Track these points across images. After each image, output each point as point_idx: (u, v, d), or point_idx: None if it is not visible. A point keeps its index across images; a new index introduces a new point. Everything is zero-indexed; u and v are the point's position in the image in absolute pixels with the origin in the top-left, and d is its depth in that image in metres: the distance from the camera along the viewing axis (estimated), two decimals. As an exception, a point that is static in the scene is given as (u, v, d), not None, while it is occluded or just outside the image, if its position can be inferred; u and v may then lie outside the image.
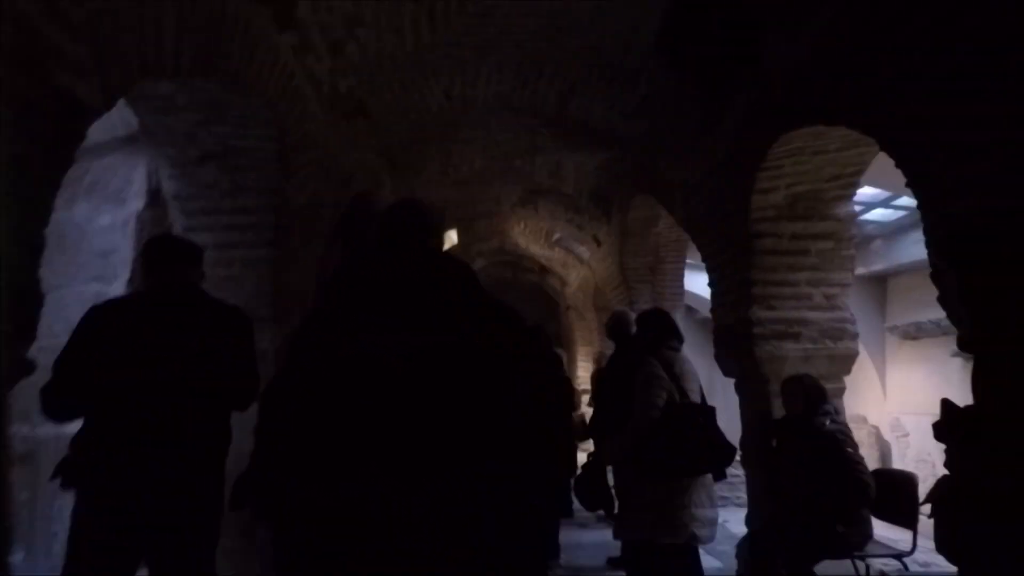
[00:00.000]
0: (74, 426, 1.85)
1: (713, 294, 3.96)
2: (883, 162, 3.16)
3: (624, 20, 3.42)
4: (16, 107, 1.47)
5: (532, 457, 1.48)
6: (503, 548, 1.36)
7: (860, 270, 6.19)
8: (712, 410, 3.37)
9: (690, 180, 4.05)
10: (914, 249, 5.96)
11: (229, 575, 2.23)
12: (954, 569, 1.89)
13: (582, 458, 4.21)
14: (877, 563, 3.18)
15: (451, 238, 6.81)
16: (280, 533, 1.44)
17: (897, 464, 7.02)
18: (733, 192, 3.46)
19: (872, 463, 3.93)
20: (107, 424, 1.79)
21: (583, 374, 9.93)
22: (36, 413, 1.89)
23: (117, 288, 3.06)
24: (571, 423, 4.62)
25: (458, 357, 1.35)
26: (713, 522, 2.77)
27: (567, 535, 4.59)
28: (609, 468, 3.42)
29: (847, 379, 3.52)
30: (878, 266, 7.18)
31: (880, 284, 7.64)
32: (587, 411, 5.89)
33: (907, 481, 3.15)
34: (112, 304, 1.94)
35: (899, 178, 2.17)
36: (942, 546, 1.87)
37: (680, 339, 3.03)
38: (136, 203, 3.16)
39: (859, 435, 3.54)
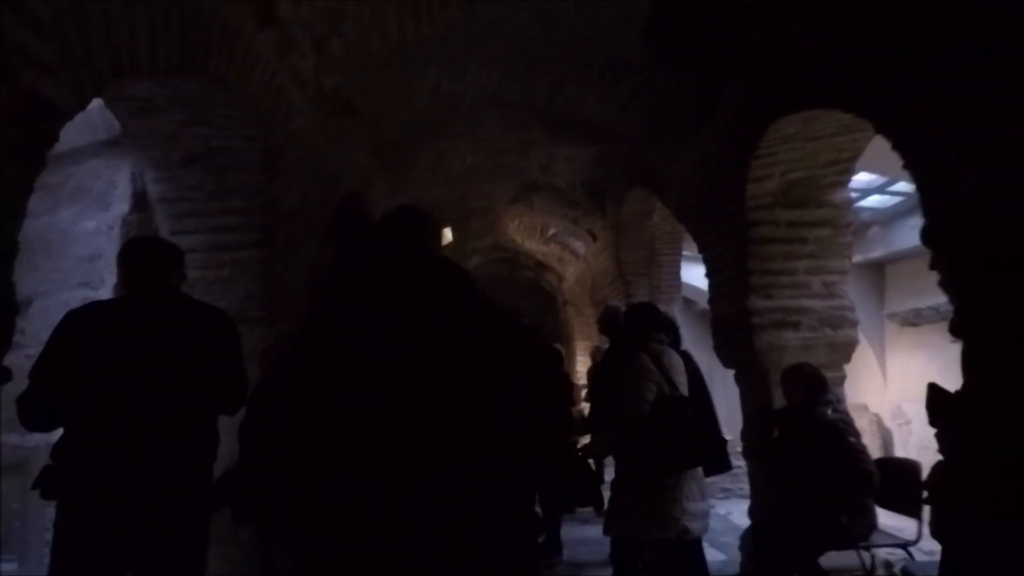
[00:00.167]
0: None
1: (710, 285, 3.92)
2: (878, 147, 3.12)
3: (613, 11, 3.37)
4: (-21, 108, 1.42)
5: (532, 457, 1.47)
6: (503, 548, 1.35)
7: (857, 257, 6.16)
8: (708, 403, 3.35)
9: (684, 171, 4.00)
10: (912, 235, 5.90)
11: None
12: (961, 558, 1.86)
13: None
14: (882, 553, 3.15)
15: (446, 236, 6.76)
16: (271, 534, 1.42)
17: (899, 452, 6.99)
18: (727, 181, 3.42)
19: (874, 451, 3.88)
20: (90, 431, 1.74)
21: (582, 369, 9.90)
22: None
23: (104, 294, 3.01)
24: (572, 420, 4.60)
25: (458, 357, 1.35)
26: (704, 515, 2.74)
27: (569, 531, 4.57)
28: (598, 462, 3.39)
29: (847, 367, 3.48)
30: (876, 253, 7.14)
31: (878, 271, 7.61)
32: (586, 407, 5.86)
33: (911, 469, 3.11)
34: (90, 308, 1.88)
35: (895, 163, 2.12)
36: (936, 531, 1.84)
37: (664, 331, 2.99)
38: (121, 207, 3.11)
39: (860, 423, 3.51)
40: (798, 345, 3.36)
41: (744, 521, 4.34)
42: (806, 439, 2.87)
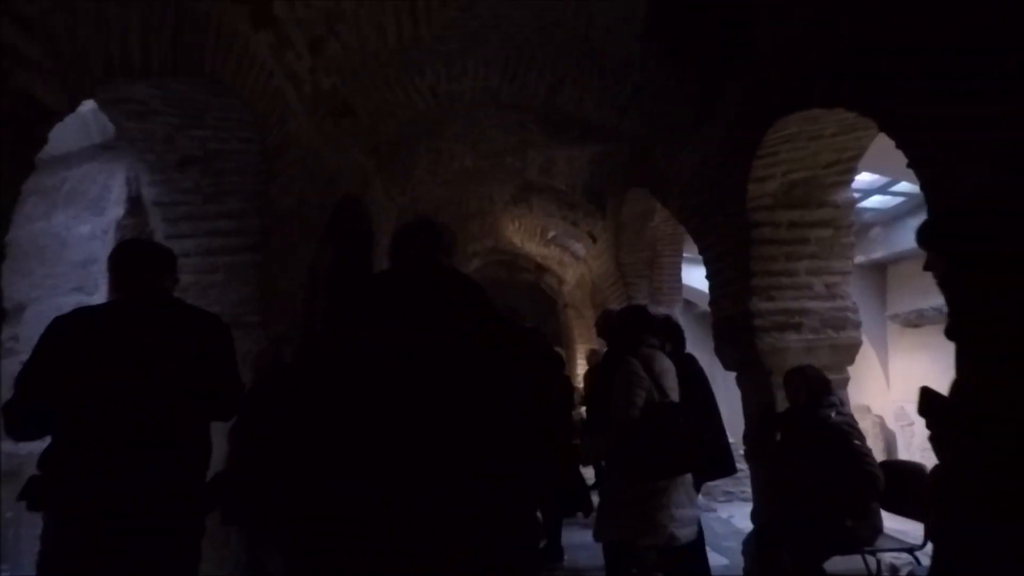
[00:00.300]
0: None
1: (712, 286, 3.89)
2: (880, 147, 3.09)
3: (613, 10, 3.34)
4: (-34, 109, 1.39)
5: (532, 457, 1.46)
6: (503, 549, 1.35)
7: (859, 258, 6.13)
8: (713, 406, 3.31)
9: (685, 171, 3.97)
10: (914, 236, 5.89)
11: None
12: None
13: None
14: (888, 557, 3.11)
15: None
16: (266, 536, 1.43)
17: (902, 454, 6.95)
18: (728, 182, 3.39)
19: (877, 453, 3.85)
20: (82, 438, 1.70)
21: (582, 372, 9.87)
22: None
23: (98, 299, 2.98)
24: (572, 422, 4.57)
25: (458, 357, 1.35)
26: (693, 521, 2.71)
27: (570, 535, 4.52)
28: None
29: (849, 369, 3.44)
30: (877, 254, 7.12)
31: (880, 272, 7.58)
32: (584, 410, 5.83)
33: (916, 472, 3.07)
34: (80, 313, 1.84)
35: (897, 163, 2.09)
36: (934, 533, 1.81)
37: (656, 334, 2.95)
38: (116, 211, 3.08)
39: (863, 425, 3.48)
40: (800, 347, 3.32)
41: (746, 525, 4.30)
42: (810, 442, 2.83)
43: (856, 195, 5.13)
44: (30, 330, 2.86)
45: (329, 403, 1.34)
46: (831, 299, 3.37)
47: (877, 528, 2.84)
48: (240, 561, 2.20)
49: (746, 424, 3.66)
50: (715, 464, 3.26)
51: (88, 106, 2.98)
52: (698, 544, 3.23)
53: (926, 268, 1.83)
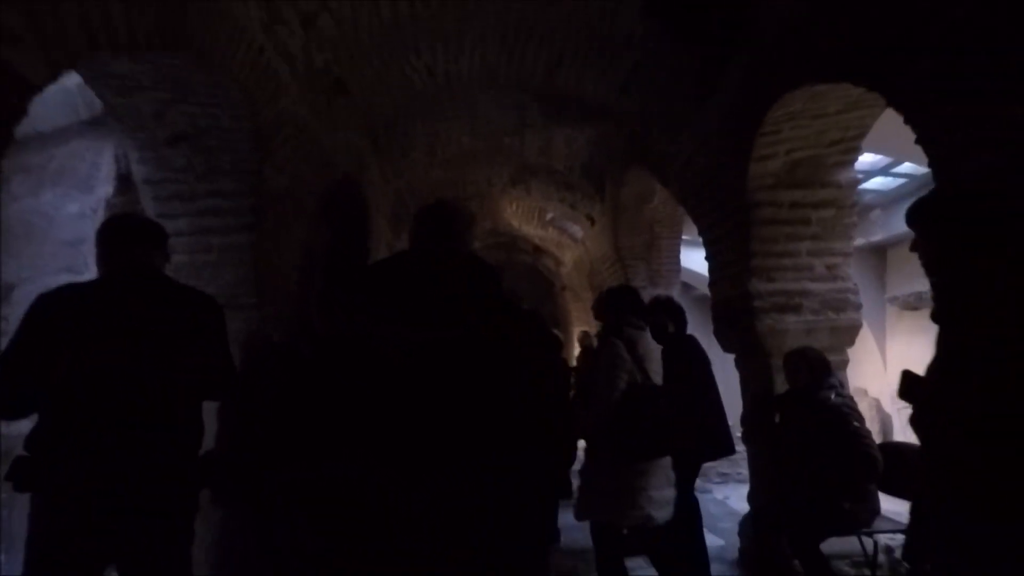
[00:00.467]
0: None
1: (711, 268, 3.85)
2: (882, 127, 3.04)
3: (612, -17, 3.26)
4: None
5: (532, 447, 1.48)
6: (505, 547, 1.35)
7: (859, 240, 6.09)
8: (713, 388, 3.29)
9: (685, 150, 3.91)
10: (914, 218, 5.85)
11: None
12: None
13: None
14: (883, 538, 3.11)
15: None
16: (259, 517, 1.42)
17: (899, 436, 6.98)
18: (730, 161, 3.33)
19: (873, 436, 3.84)
20: (70, 418, 1.67)
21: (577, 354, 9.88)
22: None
23: (88, 279, 2.93)
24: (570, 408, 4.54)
25: (462, 351, 1.34)
26: (670, 502, 2.71)
27: (565, 516, 4.53)
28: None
29: (848, 351, 3.42)
30: (877, 236, 7.08)
31: (880, 254, 7.55)
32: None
33: (914, 454, 3.05)
34: (66, 291, 1.79)
35: (900, 143, 2.04)
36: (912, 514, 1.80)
37: (643, 315, 2.92)
38: (105, 189, 3.02)
39: (859, 407, 3.48)
40: (800, 329, 3.30)
41: (742, 506, 4.30)
42: (809, 423, 2.82)
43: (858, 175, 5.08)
44: (19, 311, 2.81)
45: (326, 390, 1.34)
46: (832, 280, 3.34)
47: (875, 510, 2.84)
48: (220, 542, 2.18)
49: (744, 406, 3.65)
50: (714, 445, 3.25)
51: (74, 81, 2.91)
52: (695, 525, 3.24)
53: (913, 249, 1.79)
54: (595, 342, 4.14)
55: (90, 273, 3.03)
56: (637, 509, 2.60)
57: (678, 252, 6.38)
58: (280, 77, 3.10)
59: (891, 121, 2.82)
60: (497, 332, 1.39)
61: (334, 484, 1.26)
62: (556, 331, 6.21)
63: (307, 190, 3.72)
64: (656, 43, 3.49)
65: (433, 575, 1.25)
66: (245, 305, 3.01)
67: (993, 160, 1.70)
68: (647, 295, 5.30)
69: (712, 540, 4.01)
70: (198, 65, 2.55)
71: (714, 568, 3.34)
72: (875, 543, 2.94)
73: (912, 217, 1.70)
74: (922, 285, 6.70)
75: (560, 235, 8.47)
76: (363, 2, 3.24)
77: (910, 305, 7.24)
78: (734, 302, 3.49)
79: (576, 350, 10.32)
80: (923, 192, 1.89)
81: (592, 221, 7.06)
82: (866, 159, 5.38)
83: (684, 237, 6.29)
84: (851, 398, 2.93)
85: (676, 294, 6.11)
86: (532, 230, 8.81)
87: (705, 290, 4.19)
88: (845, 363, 3.39)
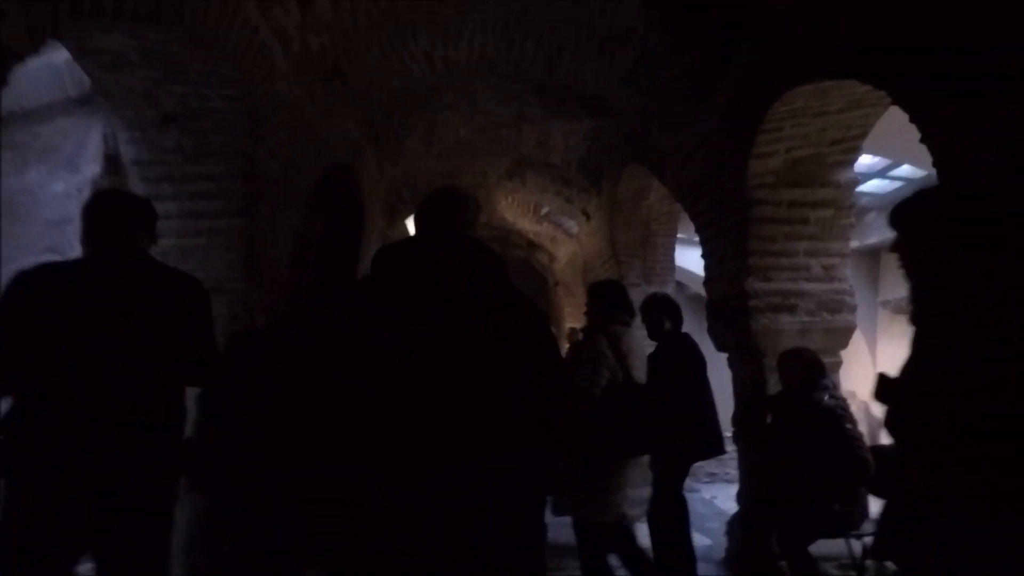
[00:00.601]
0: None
1: (707, 265, 3.82)
2: (882, 128, 3.02)
3: (614, -26, 3.21)
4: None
5: (532, 447, 1.45)
6: (504, 548, 1.34)
7: (853, 243, 6.07)
8: (705, 386, 3.26)
9: (685, 146, 3.87)
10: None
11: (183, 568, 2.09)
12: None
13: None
14: (870, 540, 3.11)
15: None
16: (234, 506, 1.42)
17: (887, 439, 7.01)
18: (730, 157, 3.30)
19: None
20: (43, 403, 1.61)
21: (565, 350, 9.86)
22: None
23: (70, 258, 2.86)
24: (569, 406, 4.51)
25: (461, 351, 1.33)
26: (644, 501, 2.69)
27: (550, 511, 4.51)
28: None
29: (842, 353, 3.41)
30: (872, 239, 7.08)
31: (874, 258, 7.57)
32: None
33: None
34: (45, 269, 1.73)
35: (899, 144, 2.02)
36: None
37: (631, 313, 2.89)
38: (92, 169, 2.95)
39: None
40: (795, 329, 3.28)
41: (729, 506, 4.30)
42: (802, 425, 2.80)
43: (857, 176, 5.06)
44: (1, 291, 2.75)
45: (326, 389, 1.33)
46: (828, 281, 3.32)
47: (865, 513, 2.83)
48: (192, 527, 2.14)
49: (736, 405, 3.63)
50: (706, 445, 3.23)
51: (62, 57, 2.84)
52: (682, 524, 3.22)
53: (892, 250, 1.77)
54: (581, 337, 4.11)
55: (75, 254, 2.96)
56: (613, 507, 2.58)
57: (673, 250, 6.35)
58: (275, 58, 3.03)
59: (891, 122, 2.81)
60: (497, 332, 1.38)
61: (334, 484, 1.26)
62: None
63: (301, 176, 3.65)
64: (657, 38, 3.44)
65: (433, 575, 1.25)
66: (234, 290, 2.95)
67: (993, 160, 1.68)
68: (641, 292, 5.28)
69: (699, 539, 4.00)
70: (190, 42, 2.48)
71: (701, 568, 3.33)
72: (863, 545, 2.92)
73: (895, 218, 1.69)
74: (915, 289, 6.72)
75: (555, 230, 8.43)
76: (361, -16, 3.18)
77: (902, 309, 7.26)
78: (730, 301, 3.46)
79: (567, 346, 10.32)
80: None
81: (587, 216, 7.02)
82: (863, 161, 5.35)
83: (679, 235, 6.26)
84: (845, 400, 2.91)
85: (670, 292, 6.10)
86: (527, 224, 8.75)
87: (698, 289, 4.17)
88: (838, 365, 3.37)
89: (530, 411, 1.39)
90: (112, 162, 2.95)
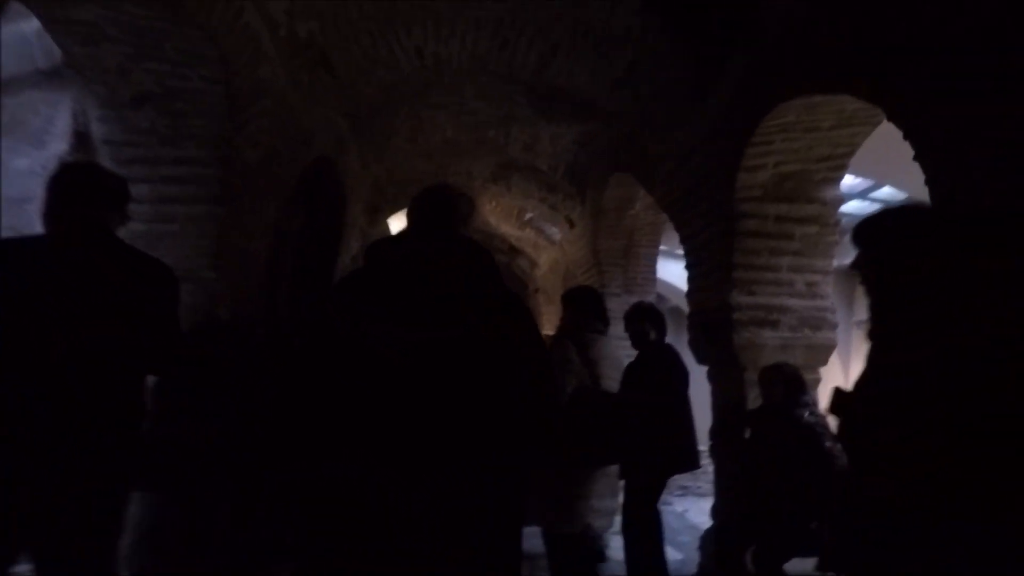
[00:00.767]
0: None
1: (690, 277, 3.80)
2: (866, 148, 3.04)
3: (611, -22, 3.18)
4: None
5: (532, 447, 1.46)
6: (503, 547, 1.34)
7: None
8: (684, 400, 3.23)
9: (673, 155, 3.85)
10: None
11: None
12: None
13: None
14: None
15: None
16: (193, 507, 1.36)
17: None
18: (719, 169, 3.28)
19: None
20: None
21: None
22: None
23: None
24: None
25: (460, 351, 1.32)
26: (611, 512, 2.64)
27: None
28: None
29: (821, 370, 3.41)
30: (849, 259, 7.15)
31: (850, 278, 7.65)
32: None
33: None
34: (1, 246, 1.62)
35: (882, 165, 2.01)
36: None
37: (605, 321, 2.84)
38: (59, 145, 2.81)
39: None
40: (776, 344, 3.26)
41: (702, 520, 4.27)
42: (781, 440, 2.78)
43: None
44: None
45: (326, 389, 1.32)
46: (811, 298, 3.32)
47: (840, 531, 2.81)
48: (140, 524, 2.03)
49: (714, 419, 3.61)
50: (684, 458, 3.19)
51: (32, 27, 2.71)
52: (656, 538, 3.17)
53: (853, 267, 1.78)
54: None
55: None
56: (576, 516, 2.52)
57: (655, 261, 6.34)
58: (260, 42, 2.94)
59: (877, 141, 2.82)
60: (497, 332, 1.38)
61: (334, 484, 1.25)
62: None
63: (283, 167, 3.55)
64: (653, 42, 3.42)
65: (433, 575, 1.24)
66: (204, 279, 2.83)
67: (989, 177, 1.67)
68: (622, 302, 5.25)
69: (671, 554, 3.96)
70: (170, 18, 2.38)
71: (674, 582, 3.28)
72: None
73: (857, 235, 1.69)
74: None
75: (537, 236, 8.39)
76: (353, -28, 3.10)
77: (877, 330, 7.37)
78: (712, 314, 3.44)
79: (545, 353, 10.27)
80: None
81: (572, 223, 6.99)
82: (845, 181, 5.42)
83: (661, 247, 6.26)
84: (824, 417, 2.90)
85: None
86: (509, 229, 8.70)
87: (678, 302, 4.15)
88: (817, 382, 3.36)
89: (530, 411, 1.38)
90: (82, 140, 2.82)
